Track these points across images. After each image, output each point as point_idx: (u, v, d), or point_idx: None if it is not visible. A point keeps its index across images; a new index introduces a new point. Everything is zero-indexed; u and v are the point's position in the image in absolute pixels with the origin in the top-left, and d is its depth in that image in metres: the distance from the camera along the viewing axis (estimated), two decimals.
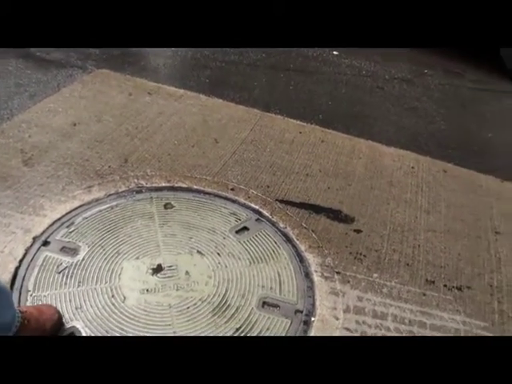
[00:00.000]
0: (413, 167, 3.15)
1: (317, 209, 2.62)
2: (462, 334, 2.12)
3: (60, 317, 1.88)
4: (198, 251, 2.26)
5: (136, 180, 2.62)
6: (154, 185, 2.61)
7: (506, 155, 3.64)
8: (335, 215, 2.60)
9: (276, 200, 2.63)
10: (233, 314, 2.01)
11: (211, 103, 3.48)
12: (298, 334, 1.97)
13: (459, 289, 2.34)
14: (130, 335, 1.89)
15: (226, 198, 2.58)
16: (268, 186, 2.72)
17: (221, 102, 3.53)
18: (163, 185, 2.62)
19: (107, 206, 2.44)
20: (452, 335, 2.10)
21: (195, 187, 2.64)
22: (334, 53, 4.74)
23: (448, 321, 2.17)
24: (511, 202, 3.06)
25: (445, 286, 2.34)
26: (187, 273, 2.15)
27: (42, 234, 2.25)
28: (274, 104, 3.63)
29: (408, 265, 2.40)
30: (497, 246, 2.65)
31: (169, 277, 2.12)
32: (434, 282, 2.34)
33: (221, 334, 1.93)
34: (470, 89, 4.58)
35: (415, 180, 3.03)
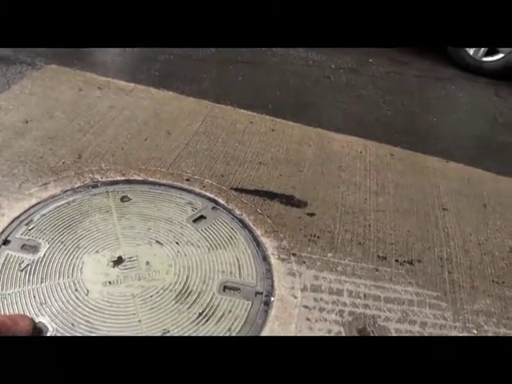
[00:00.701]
0: (361, 152, 3.27)
1: (270, 195, 2.70)
2: (416, 305, 2.25)
3: (35, 327, 1.88)
4: (157, 241, 2.30)
5: (91, 175, 2.63)
6: (109, 179, 2.63)
7: (450, 137, 3.82)
8: (288, 200, 2.69)
9: (231, 188, 2.69)
10: (195, 300, 2.07)
11: (162, 96, 3.51)
12: (258, 315, 2.05)
13: (410, 263, 2.48)
14: (100, 335, 1.93)
15: (181, 189, 2.63)
16: (222, 175, 2.78)
17: (171, 95, 3.56)
18: (118, 178, 2.64)
19: (64, 201, 2.45)
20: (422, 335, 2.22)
21: (150, 179, 2.67)
22: None
23: (401, 293, 2.30)
24: (456, 180, 3.23)
25: (396, 260, 2.47)
26: (148, 263, 2.19)
27: (2, 232, 2.25)
28: (224, 95, 3.68)
29: (360, 243, 2.52)
30: (445, 222, 2.81)
31: (130, 268, 2.16)
32: (385, 258, 2.46)
33: (184, 320, 1.99)
34: (414, 76, 4.76)
35: (363, 164, 3.15)
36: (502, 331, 2.24)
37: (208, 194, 2.62)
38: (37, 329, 1.89)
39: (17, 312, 1.95)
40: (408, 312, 2.21)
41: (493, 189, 3.23)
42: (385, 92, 4.31)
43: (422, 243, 2.61)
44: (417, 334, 2.12)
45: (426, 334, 2.13)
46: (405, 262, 2.47)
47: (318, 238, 2.49)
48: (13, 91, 3.29)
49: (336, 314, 2.13)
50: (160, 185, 2.64)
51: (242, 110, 3.51)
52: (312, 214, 2.64)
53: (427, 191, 3.04)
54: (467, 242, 2.70)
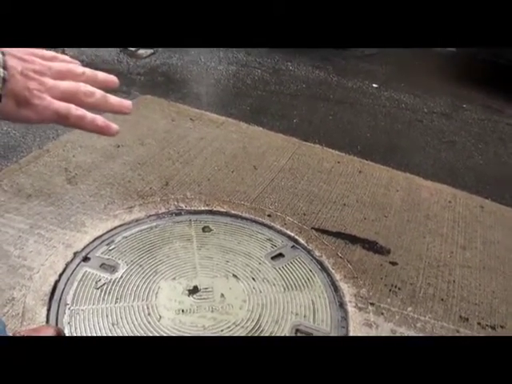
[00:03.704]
0: (450, 201, 3.14)
1: (353, 239, 2.63)
2: None
3: (59, 335, 1.86)
4: (234, 275, 2.29)
5: (176, 202, 2.68)
6: (193, 208, 2.66)
7: None
8: (371, 246, 2.61)
9: (312, 228, 2.65)
10: None
11: (251, 131, 3.55)
12: None
13: (493, 328, 2.31)
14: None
15: (262, 224, 2.62)
16: (304, 214, 2.75)
17: (261, 130, 3.59)
18: (202, 208, 2.67)
19: (147, 226, 2.50)
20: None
21: (233, 212, 2.68)
22: (374, 85, 4.78)
23: None
24: None
25: (479, 323, 2.32)
26: (222, 295, 2.18)
27: (83, 249, 2.33)
28: (312, 133, 3.68)
29: (442, 300, 2.39)
30: None
31: (204, 298, 2.15)
32: (467, 320, 2.32)
33: None
34: (508, 125, 4.55)
35: (452, 215, 3.02)
36: None
37: (289, 232, 2.59)
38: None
39: (87, 329, 1.98)
40: None
41: None
42: (477, 139, 4.14)
43: (507, 307, 2.44)
44: None
45: None
46: (487, 325, 2.31)
47: (400, 289, 2.39)
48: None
49: None
50: (242, 218, 2.65)
51: (330, 150, 3.48)
52: (395, 263, 2.54)
53: None
54: None
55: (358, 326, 2.15)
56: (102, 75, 0.85)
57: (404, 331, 2.17)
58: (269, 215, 2.69)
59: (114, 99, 0.84)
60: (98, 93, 0.82)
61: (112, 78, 0.87)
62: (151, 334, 1.98)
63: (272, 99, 4.20)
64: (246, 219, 2.65)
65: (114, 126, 0.84)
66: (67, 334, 1.93)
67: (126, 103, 0.85)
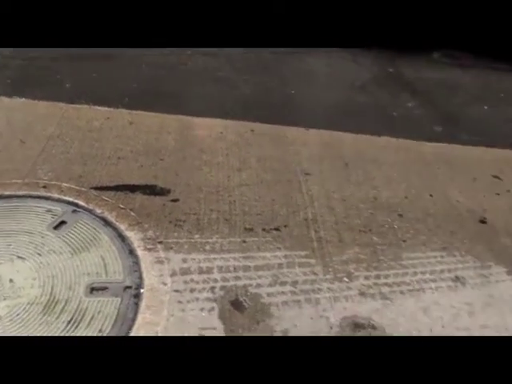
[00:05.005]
0: (221, 132, 3.31)
1: (132, 188, 2.67)
2: (285, 267, 2.34)
3: None
4: (19, 256, 2.21)
5: None
6: None
7: (309, 106, 3.96)
8: (151, 190, 2.68)
9: (90, 188, 2.64)
10: (63, 308, 2.02)
11: (14, 104, 3.34)
12: (129, 309, 2.04)
13: (277, 229, 2.56)
14: None
15: (38, 197, 2.54)
16: (80, 177, 2.72)
17: (24, 101, 3.40)
18: None
19: None
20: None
21: (6, 193, 2.55)
22: None
23: (270, 259, 2.38)
24: (317, 145, 3.37)
25: (263, 229, 2.55)
26: (11, 281, 2.10)
27: None
28: (78, 94, 3.57)
29: (226, 220, 2.56)
30: (308, 185, 2.93)
31: None
32: (252, 229, 2.53)
33: (53, 331, 1.93)
34: (271, 53, 4.84)
35: (225, 143, 3.20)
36: (374, 274, 2.39)
37: (67, 198, 2.55)
38: None
39: None
40: (278, 275, 2.29)
41: (353, 147, 3.41)
42: (242, 71, 4.37)
43: (287, 209, 2.71)
44: (289, 294, 2.21)
45: (297, 292, 2.22)
46: (271, 229, 2.55)
47: (184, 221, 2.51)
48: None
49: (207, 292, 2.16)
50: (17, 197, 2.54)
51: (98, 107, 3.43)
52: (176, 200, 2.64)
53: (289, 160, 3.14)
54: (331, 200, 2.83)
55: (149, 266, 2.23)
56: None
57: (194, 257, 2.32)
58: (44, 186, 2.61)
59: None
60: None
61: None
62: None
63: (33, 66, 3.95)
64: (21, 197, 2.54)
65: None
66: None
67: None
